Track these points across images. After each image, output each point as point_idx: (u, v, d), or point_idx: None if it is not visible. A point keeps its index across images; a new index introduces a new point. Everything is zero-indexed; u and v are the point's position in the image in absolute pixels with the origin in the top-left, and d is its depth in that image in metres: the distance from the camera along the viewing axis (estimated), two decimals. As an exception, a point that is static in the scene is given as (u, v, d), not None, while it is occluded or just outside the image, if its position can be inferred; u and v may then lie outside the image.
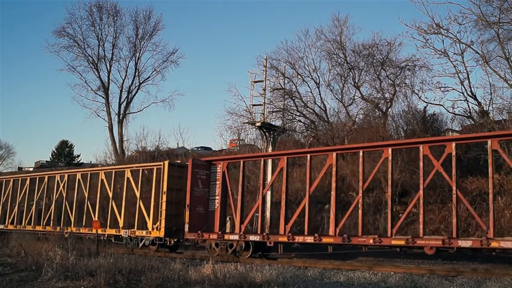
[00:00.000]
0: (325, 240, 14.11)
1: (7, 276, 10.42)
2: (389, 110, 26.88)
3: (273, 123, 23.71)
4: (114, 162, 37.00)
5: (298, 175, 23.34)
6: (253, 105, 23.36)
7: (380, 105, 26.93)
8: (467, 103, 23.50)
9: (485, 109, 23.13)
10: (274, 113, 25.73)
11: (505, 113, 23.46)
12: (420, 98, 25.27)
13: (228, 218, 17.41)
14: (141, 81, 41.66)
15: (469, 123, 24.25)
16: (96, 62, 40.45)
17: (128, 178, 19.16)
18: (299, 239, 14.53)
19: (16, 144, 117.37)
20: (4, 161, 70.07)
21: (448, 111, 24.50)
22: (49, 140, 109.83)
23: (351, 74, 27.58)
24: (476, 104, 23.47)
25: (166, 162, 17.81)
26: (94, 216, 19.57)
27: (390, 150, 13.86)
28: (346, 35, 28.12)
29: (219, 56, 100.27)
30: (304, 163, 18.27)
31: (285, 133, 25.89)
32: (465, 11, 21.79)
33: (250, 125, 25.78)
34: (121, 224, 18.58)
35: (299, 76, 28.12)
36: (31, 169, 56.96)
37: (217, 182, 17.01)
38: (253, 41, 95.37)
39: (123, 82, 41.30)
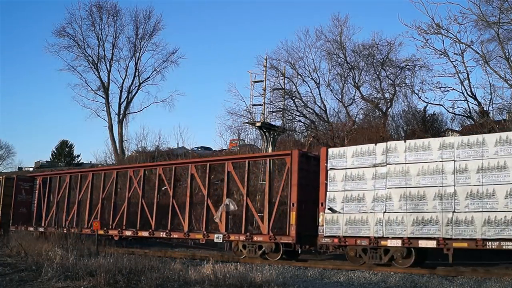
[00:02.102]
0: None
1: (7, 276, 10.42)
2: (389, 110, 26.94)
3: (273, 123, 23.76)
4: (114, 162, 37.03)
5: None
6: (253, 105, 23.41)
7: (380, 105, 26.96)
8: (467, 103, 23.56)
9: (485, 109, 23.17)
10: (274, 113, 25.79)
11: (505, 113, 23.50)
12: (420, 98, 25.34)
13: None
14: (141, 81, 41.77)
15: (469, 123, 24.28)
16: (96, 62, 40.55)
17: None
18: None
19: (16, 144, 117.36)
20: (4, 161, 70.14)
21: (448, 111, 24.58)
22: (49, 140, 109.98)
23: (351, 74, 27.63)
24: (476, 104, 23.53)
25: None
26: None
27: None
28: (346, 35, 28.18)
29: (219, 56, 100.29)
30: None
31: (285, 133, 25.93)
32: (465, 11, 21.83)
33: (250, 125, 25.83)
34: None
35: (299, 76, 28.17)
36: (31, 169, 56.97)
37: (35, 191, 23.51)
38: (253, 41, 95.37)
39: (123, 82, 41.42)
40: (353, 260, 13.63)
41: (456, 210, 11.98)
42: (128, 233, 18.17)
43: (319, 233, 13.98)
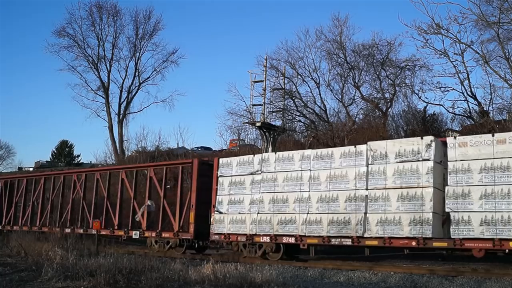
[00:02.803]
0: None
1: (7, 276, 10.42)
2: (389, 110, 26.97)
3: (273, 123, 23.74)
4: (114, 162, 37.02)
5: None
6: (253, 105, 23.39)
7: (380, 105, 26.98)
8: (467, 103, 23.61)
9: (485, 109, 23.21)
10: (274, 113, 25.77)
11: (505, 113, 23.52)
12: (420, 98, 25.40)
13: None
14: (141, 81, 41.75)
15: (469, 123, 24.31)
16: (96, 62, 40.53)
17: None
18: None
19: (16, 144, 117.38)
20: (4, 161, 70.13)
21: (448, 111, 24.64)
22: (49, 140, 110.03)
23: (351, 74, 27.63)
24: (476, 104, 23.57)
25: None
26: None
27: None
28: (346, 35, 28.19)
29: (219, 56, 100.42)
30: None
31: (285, 133, 25.92)
32: (465, 11, 21.89)
33: (250, 125, 25.83)
34: None
35: (299, 76, 28.19)
36: (31, 169, 56.98)
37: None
38: (253, 41, 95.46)
39: (123, 82, 41.40)
40: (237, 253, 15.69)
41: (309, 212, 14.14)
42: (67, 230, 19.42)
43: (210, 231, 16.20)
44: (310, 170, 14.34)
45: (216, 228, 15.98)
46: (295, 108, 27.37)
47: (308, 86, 28.11)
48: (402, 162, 12.89)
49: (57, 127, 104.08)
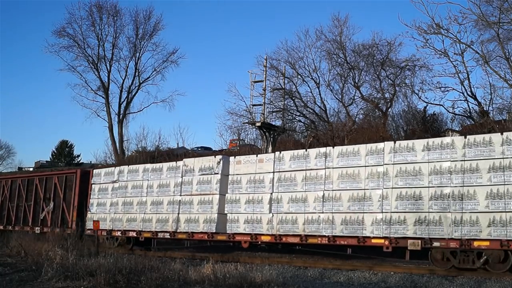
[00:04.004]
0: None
1: (7, 276, 10.42)
2: (389, 110, 26.94)
3: (273, 123, 23.76)
4: (114, 162, 37.00)
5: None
6: (253, 105, 23.40)
7: (380, 105, 26.96)
8: (467, 103, 23.58)
9: (485, 109, 23.18)
10: (274, 113, 25.78)
11: (505, 113, 23.51)
12: (420, 98, 25.35)
13: None
14: (141, 81, 41.55)
15: (469, 123, 24.29)
16: (96, 62, 40.34)
17: None
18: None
19: (16, 144, 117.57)
20: (4, 161, 70.19)
21: (448, 111, 24.60)
22: (49, 140, 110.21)
23: (351, 74, 27.61)
24: (476, 104, 23.54)
25: None
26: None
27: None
28: (346, 35, 28.15)
29: (219, 56, 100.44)
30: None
31: (285, 133, 25.93)
32: (465, 11, 21.85)
33: (250, 125, 25.85)
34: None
35: (299, 76, 28.17)
36: (31, 169, 56.99)
37: None
38: (253, 41, 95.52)
39: (123, 82, 41.22)
40: (125, 246, 18.52)
41: (145, 212, 17.82)
42: None
43: (85, 227, 19.43)
44: (148, 180, 18.13)
45: (89, 224, 19.34)
46: (295, 108, 27.37)
47: (308, 86, 28.14)
48: (202, 175, 16.62)
49: (57, 127, 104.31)
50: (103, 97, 40.84)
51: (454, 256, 12.10)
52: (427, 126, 25.01)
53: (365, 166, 13.52)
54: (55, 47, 40.09)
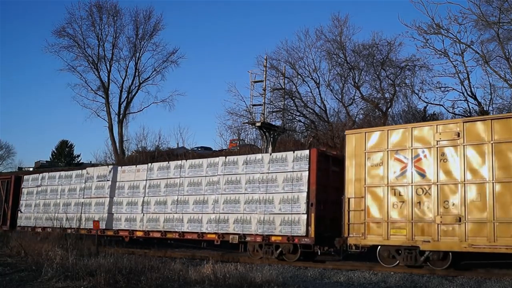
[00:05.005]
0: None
1: (7, 276, 10.42)
2: (389, 110, 26.93)
3: (273, 123, 23.74)
4: (114, 162, 37.00)
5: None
6: (253, 105, 23.39)
7: (380, 105, 26.94)
8: (467, 103, 23.58)
9: (485, 109, 23.15)
10: (274, 113, 25.76)
11: (505, 113, 23.46)
12: (420, 98, 25.35)
13: None
14: (141, 81, 41.61)
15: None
16: (96, 62, 40.40)
17: None
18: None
19: (16, 144, 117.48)
20: (4, 161, 70.18)
21: (448, 111, 24.56)
22: (49, 140, 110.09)
23: (351, 74, 27.60)
24: (476, 104, 23.53)
25: None
26: None
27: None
28: (346, 35, 28.14)
29: (219, 56, 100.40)
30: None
31: (285, 133, 25.92)
32: (465, 11, 21.87)
33: (250, 125, 25.81)
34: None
35: (299, 76, 28.14)
36: (31, 169, 56.95)
37: None
38: (253, 41, 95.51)
39: (123, 82, 41.28)
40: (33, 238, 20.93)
41: (58, 212, 20.73)
42: None
43: (17, 224, 23.27)
44: (61, 185, 21.79)
45: (19, 222, 23.33)
46: (295, 108, 27.34)
47: (308, 86, 28.11)
48: (99, 181, 20.13)
49: (57, 127, 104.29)
50: (103, 97, 40.91)
51: (261, 248, 15.29)
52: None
53: (205, 176, 16.97)
54: (55, 47, 40.20)
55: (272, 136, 22.76)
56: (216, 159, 16.81)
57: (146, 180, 18.49)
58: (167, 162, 18.29)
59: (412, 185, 12.69)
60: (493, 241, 11.43)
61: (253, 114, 24.04)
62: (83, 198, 20.42)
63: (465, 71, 23.23)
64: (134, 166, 19.62)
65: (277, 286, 9.16)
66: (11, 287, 9.41)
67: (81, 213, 20.22)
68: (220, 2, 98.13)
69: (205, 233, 16.42)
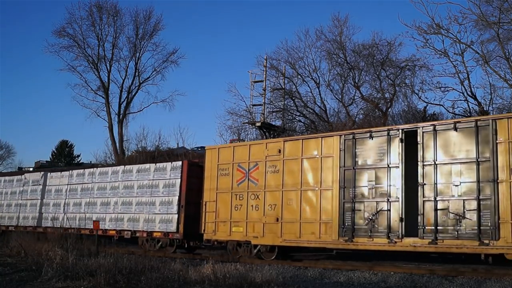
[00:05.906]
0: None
1: (7, 276, 10.42)
2: (389, 110, 26.90)
3: (273, 123, 23.79)
4: (114, 162, 36.97)
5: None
6: (253, 105, 23.47)
7: (380, 105, 26.94)
8: (467, 103, 23.57)
9: (485, 109, 23.14)
10: (274, 113, 25.81)
11: (505, 113, 23.46)
12: (420, 98, 25.32)
13: None
14: (141, 81, 41.49)
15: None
16: (96, 62, 40.29)
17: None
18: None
19: (16, 144, 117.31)
20: (4, 161, 70.17)
21: (448, 111, 24.54)
22: (49, 140, 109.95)
23: (351, 74, 27.60)
24: (476, 104, 23.51)
25: None
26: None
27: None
28: (346, 35, 28.16)
29: (219, 56, 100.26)
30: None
31: (285, 133, 25.93)
32: (465, 11, 21.85)
33: (250, 125, 25.88)
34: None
35: (299, 76, 28.16)
36: (31, 169, 56.92)
37: None
38: (253, 41, 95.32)
39: (123, 82, 41.18)
40: None
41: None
42: None
43: None
44: (5, 188, 24.46)
45: None
46: (295, 108, 27.36)
47: (308, 86, 28.12)
48: (34, 185, 22.87)
49: (57, 127, 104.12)
50: (103, 97, 40.82)
51: (147, 242, 18.10)
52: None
53: (109, 182, 19.76)
54: (55, 47, 40.08)
55: (272, 136, 22.78)
56: (118, 168, 20.11)
57: (67, 184, 21.46)
58: (83, 170, 21.63)
59: (248, 191, 15.63)
60: (299, 237, 14.34)
61: (253, 114, 24.11)
62: (21, 199, 23.29)
63: (465, 71, 23.25)
64: (59, 172, 22.64)
65: (277, 286, 9.17)
66: (11, 287, 9.41)
67: (19, 212, 23.20)
68: (220, 2, 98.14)
69: (107, 229, 19.29)
